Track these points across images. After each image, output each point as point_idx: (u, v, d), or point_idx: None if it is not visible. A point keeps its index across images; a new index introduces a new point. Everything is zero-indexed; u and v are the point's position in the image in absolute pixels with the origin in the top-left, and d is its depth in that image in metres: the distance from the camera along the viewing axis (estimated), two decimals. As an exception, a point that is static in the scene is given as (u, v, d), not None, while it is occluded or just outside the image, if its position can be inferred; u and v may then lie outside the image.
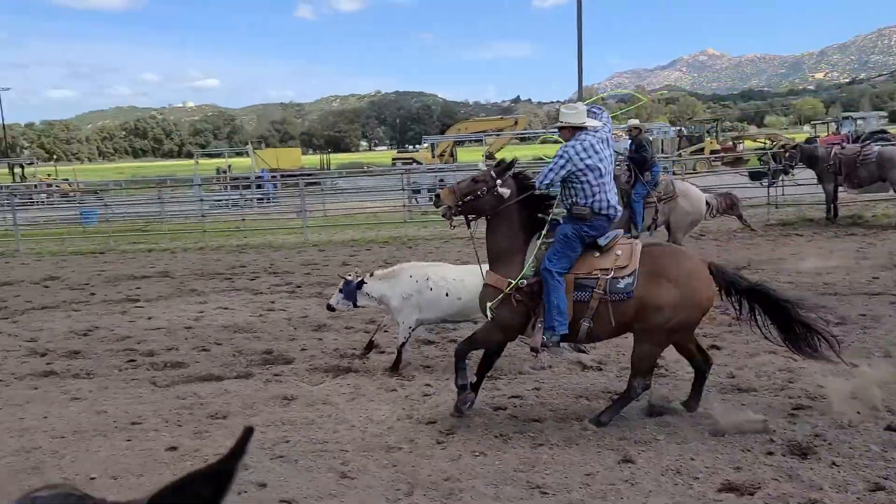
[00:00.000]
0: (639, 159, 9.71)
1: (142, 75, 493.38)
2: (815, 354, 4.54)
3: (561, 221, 4.80)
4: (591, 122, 4.78)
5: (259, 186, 27.10)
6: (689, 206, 9.58)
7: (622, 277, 4.53)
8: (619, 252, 4.63)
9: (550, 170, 4.68)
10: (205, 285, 10.94)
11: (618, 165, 9.63)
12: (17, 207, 18.30)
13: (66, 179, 38.40)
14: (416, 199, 20.16)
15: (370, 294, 6.21)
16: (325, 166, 42.94)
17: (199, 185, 24.36)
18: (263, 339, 7.58)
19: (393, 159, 48.67)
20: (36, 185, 34.07)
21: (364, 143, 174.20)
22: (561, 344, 4.88)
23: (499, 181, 4.87)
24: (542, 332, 4.67)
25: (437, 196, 5.14)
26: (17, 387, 6.23)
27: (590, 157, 4.62)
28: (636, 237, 10.20)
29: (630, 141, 10.26)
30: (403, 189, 19.85)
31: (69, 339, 7.92)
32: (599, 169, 4.65)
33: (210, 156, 51.71)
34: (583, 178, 4.64)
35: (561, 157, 4.65)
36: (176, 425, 5.19)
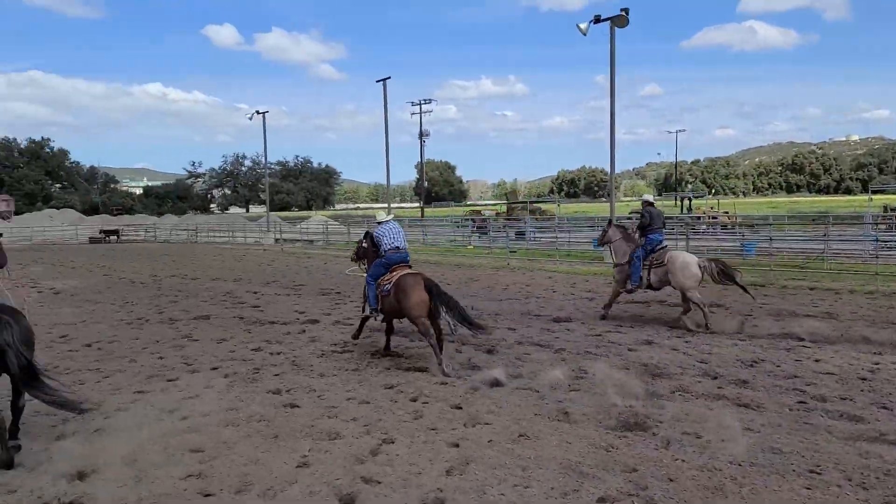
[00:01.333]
0: (642, 226, 11.53)
1: (804, 110, 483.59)
2: (476, 333, 8.62)
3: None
4: (385, 216, 9.48)
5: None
6: (680, 273, 10.92)
7: (385, 284, 8.76)
8: (395, 273, 8.76)
9: (377, 241, 9.20)
10: (877, 334, 9.78)
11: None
12: (689, 237, 20.01)
13: (726, 212, 40.51)
14: None
15: None
16: None
17: (873, 223, 22.23)
18: (964, 411, 6.27)
19: None
20: (699, 217, 36.99)
21: None
22: (375, 312, 9.09)
23: (364, 241, 9.82)
24: (369, 306, 9.17)
25: (358, 255, 10.18)
26: (695, 404, 6.68)
27: (383, 232, 9.09)
28: (630, 291, 11.69)
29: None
30: None
31: (736, 367, 8.14)
32: (385, 237, 9.03)
33: (879, 192, 46.87)
34: (380, 241, 9.09)
35: (375, 236, 9.27)
36: (861, 487, 4.69)
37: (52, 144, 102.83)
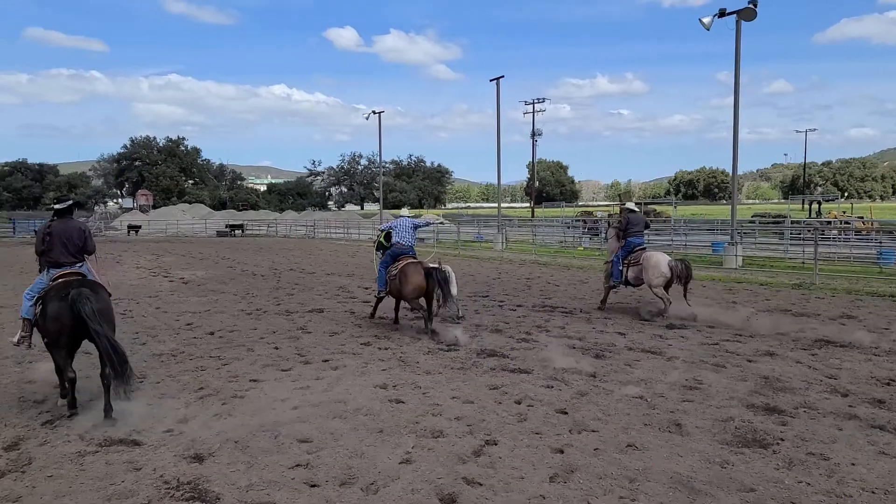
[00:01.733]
0: (622, 230, 12.95)
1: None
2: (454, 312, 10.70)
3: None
4: (407, 213, 12.06)
5: None
6: (650, 271, 12.14)
7: (393, 271, 10.83)
8: (400, 263, 10.79)
9: (383, 230, 11.87)
10: None
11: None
12: (818, 243, 18.71)
13: (861, 217, 37.65)
14: None
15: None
16: None
17: None
18: None
19: None
20: (830, 222, 34.56)
21: None
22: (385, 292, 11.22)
23: (381, 238, 11.78)
24: (378, 287, 11.44)
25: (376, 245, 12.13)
26: (821, 423, 6.20)
27: (393, 225, 11.38)
28: (612, 286, 13.11)
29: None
30: None
31: (871, 385, 7.49)
32: (395, 230, 11.25)
33: None
34: (391, 233, 11.32)
35: (388, 226, 11.73)
36: None
37: (186, 143, 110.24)
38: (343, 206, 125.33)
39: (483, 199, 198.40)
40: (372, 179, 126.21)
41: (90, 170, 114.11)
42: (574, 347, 9.55)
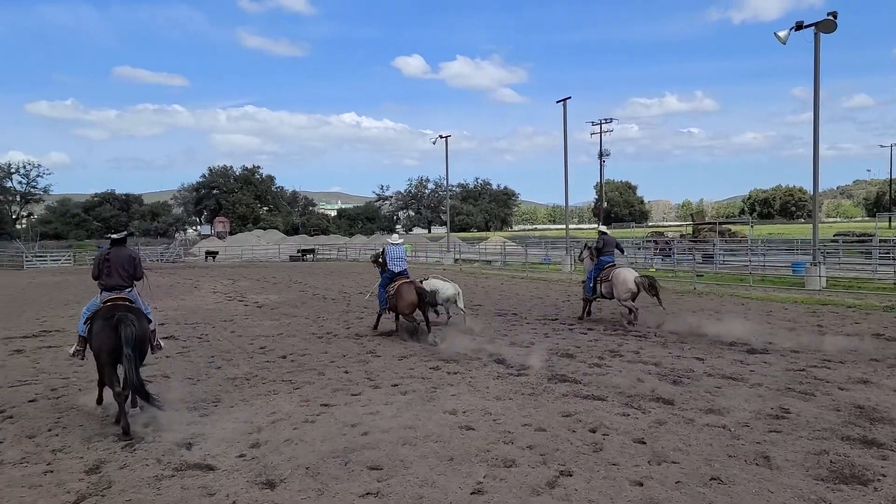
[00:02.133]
0: (597, 250, 14.75)
1: None
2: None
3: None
4: (396, 240, 13.63)
5: None
6: (618, 286, 13.83)
7: (391, 290, 12.77)
8: (397, 282, 12.72)
9: (381, 255, 13.73)
10: None
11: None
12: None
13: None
14: None
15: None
16: None
17: None
18: None
19: None
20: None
21: None
22: (386, 309, 13.24)
23: (379, 257, 13.89)
24: (380, 306, 13.47)
25: (374, 260, 14.36)
26: (927, 458, 5.73)
27: (389, 252, 13.23)
28: (586, 300, 15.01)
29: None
30: None
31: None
32: (389, 256, 13.17)
33: None
34: (387, 259, 13.25)
35: (381, 251, 13.89)
36: None
37: (261, 171, 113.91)
38: (411, 230, 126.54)
39: (550, 221, 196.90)
40: (439, 203, 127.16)
41: (171, 199, 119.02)
42: (650, 373, 9.22)
